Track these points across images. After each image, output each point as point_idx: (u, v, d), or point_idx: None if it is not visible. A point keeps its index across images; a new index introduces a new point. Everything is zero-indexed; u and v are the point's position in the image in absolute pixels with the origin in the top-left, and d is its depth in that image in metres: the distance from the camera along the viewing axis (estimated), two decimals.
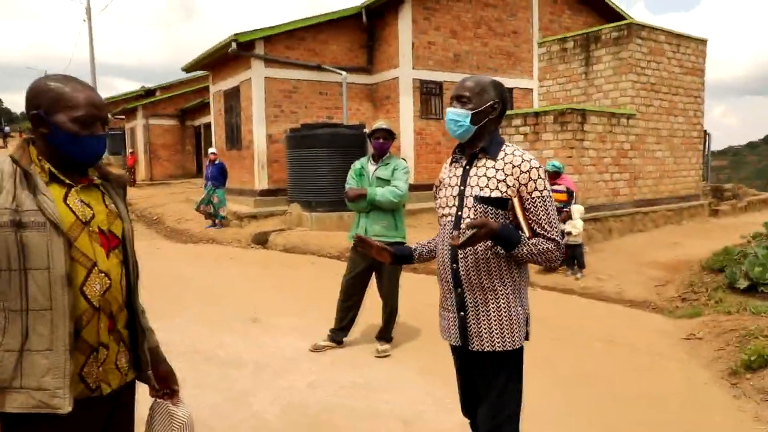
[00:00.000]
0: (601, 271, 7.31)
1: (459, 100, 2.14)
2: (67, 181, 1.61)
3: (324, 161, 10.75)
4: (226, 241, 10.79)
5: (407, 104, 13.06)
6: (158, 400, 1.87)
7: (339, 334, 4.74)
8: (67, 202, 1.59)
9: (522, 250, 2.03)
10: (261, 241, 10.40)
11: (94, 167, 1.72)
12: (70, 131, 1.56)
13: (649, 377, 4.14)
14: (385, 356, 4.55)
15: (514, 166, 2.07)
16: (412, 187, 12.52)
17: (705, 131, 12.86)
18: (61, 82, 1.61)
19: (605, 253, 8.36)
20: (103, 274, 1.61)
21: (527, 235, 2.04)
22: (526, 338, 2.16)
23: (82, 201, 1.62)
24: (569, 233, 6.98)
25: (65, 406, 1.51)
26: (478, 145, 2.15)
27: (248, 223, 11.81)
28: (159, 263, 8.19)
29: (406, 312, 5.16)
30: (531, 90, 14.58)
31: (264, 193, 12.86)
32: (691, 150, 11.29)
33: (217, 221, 11.85)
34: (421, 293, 6.47)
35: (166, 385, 1.89)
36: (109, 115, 1.73)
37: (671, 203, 10.76)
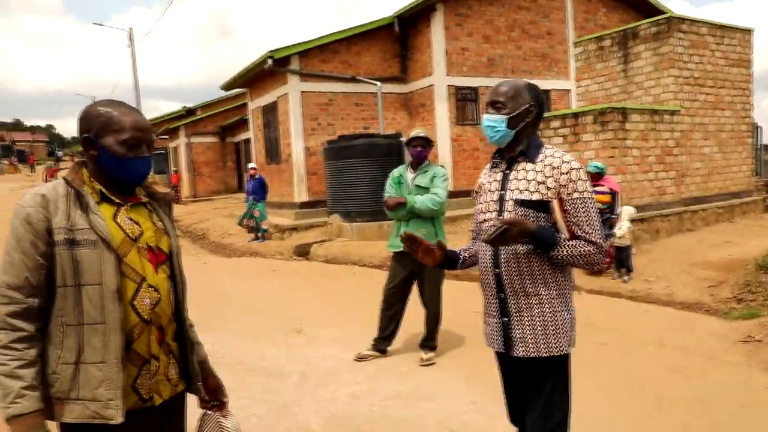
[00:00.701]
0: (649, 273, 7.09)
1: (494, 105, 2.12)
2: (117, 201, 1.69)
3: (362, 171, 10.82)
4: (268, 253, 10.95)
5: (443, 111, 13.03)
6: (208, 411, 1.92)
7: (382, 344, 4.73)
8: (117, 220, 1.67)
9: (560, 251, 2.00)
10: (302, 252, 10.51)
11: (141, 186, 1.80)
12: (116, 153, 1.64)
13: (702, 381, 3.98)
14: (430, 364, 4.51)
15: (553, 168, 2.04)
16: (451, 194, 12.42)
17: (755, 124, 12.37)
18: (110, 107, 1.69)
19: (653, 254, 8.10)
20: (152, 289, 1.68)
21: (566, 236, 2.00)
22: (573, 344, 2.11)
23: (131, 219, 1.70)
24: (614, 235, 6.80)
25: (117, 417, 1.57)
26: (517, 149, 2.13)
27: (289, 235, 11.96)
28: (205, 277, 8.38)
29: (449, 319, 5.12)
30: (568, 91, 14.34)
31: (304, 205, 13.02)
32: (740, 144, 10.87)
33: (259, 234, 12.06)
34: (464, 300, 6.41)
35: (215, 397, 1.94)
36: (153, 144, 1.76)
37: (722, 200, 10.36)
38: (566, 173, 2.02)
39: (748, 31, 10.81)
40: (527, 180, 2.07)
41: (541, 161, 2.08)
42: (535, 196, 2.03)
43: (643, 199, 8.97)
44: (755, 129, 12.65)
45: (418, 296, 4.71)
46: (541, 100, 2.16)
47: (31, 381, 1.54)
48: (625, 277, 6.92)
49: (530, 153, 2.11)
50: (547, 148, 2.12)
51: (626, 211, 6.94)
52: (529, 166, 2.09)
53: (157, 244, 1.73)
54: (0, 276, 1.59)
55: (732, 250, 8.08)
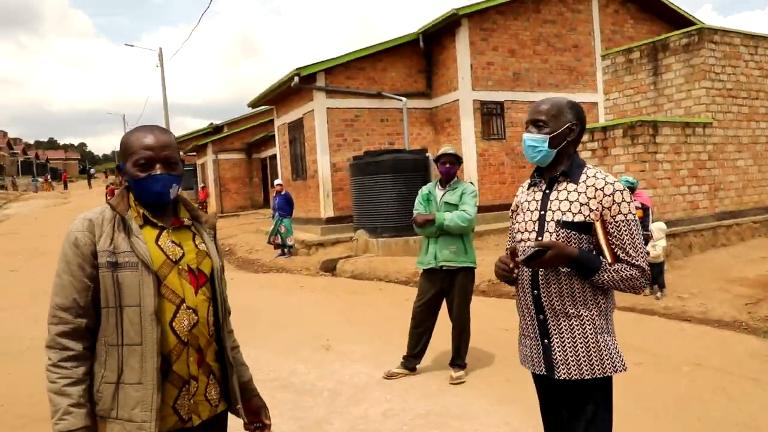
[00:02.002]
0: (682, 290, 6.92)
1: (535, 124, 2.08)
2: (160, 224, 1.73)
3: (388, 187, 10.84)
4: (295, 269, 11.01)
5: (468, 126, 13.01)
6: None
7: (412, 361, 4.69)
8: (159, 242, 1.70)
9: (603, 276, 1.95)
10: (329, 268, 10.54)
11: (187, 209, 1.84)
12: (132, 176, 1.70)
13: (747, 405, 3.84)
14: (460, 383, 4.46)
15: (597, 189, 1.99)
16: (478, 210, 12.33)
17: None
18: (131, 132, 1.78)
19: (686, 270, 7.91)
20: (190, 311, 1.70)
21: (609, 260, 1.95)
22: (624, 368, 2.03)
23: (173, 241, 1.73)
24: (648, 253, 6.67)
25: None
26: (558, 168, 2.08)
27: (316, 251, 12.01)
28: (232, 293, 8.41)
29: (478, 337, 5.06)
30: (596, 104, 14.20)
31: (330, 220, 13.08)
32: None
33: (285, 250, 12.14)
34: (492, 317, 6.35)
35: (257, 419, 1.95)
36: (182, 153, 1.81)
37: (758, 215, 10.09)
38: (610, 195, 1.98)
39: None
40: (569, 201, 2.02)
41: (584, 182, 2.03)
42: (578, 218, 1.99)
43: (675, 213, 8.79)
44: None
45: (448, 314, 4.67)
46: (582, 118, 2.11)
47: (78, 399, 1.58)
48: (658, 294, 6.76)
49: (572, 173, 2.06)
50: (588, 168, 2.08)
51: (658, 228, 6.80)
52: (571, 186, 2.05)
53: (198, 266, 1.75)
54: (51, 297, 1.65)
55: None
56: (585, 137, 9.03)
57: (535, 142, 2.07)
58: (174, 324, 1.66)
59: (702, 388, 4.17)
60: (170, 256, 1.69)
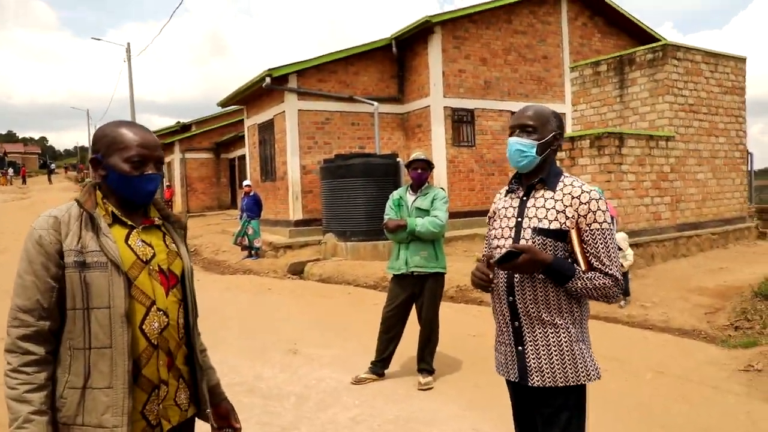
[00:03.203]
0: (645, 299, 7.08)
1: (524, 129, 2.08)
2: (129, 223, 1.67)
3: (358, 191, 10.81)
4: (262, 271, 10.87)
5: (439, 132, 13.11)
6: None
7: (380, 367, 4.67)
8: (129, 242, 1.64)
9: (576, 284, 1.96)
10: (297, 271, 10.45)
11: (156, 209, 1.78)
12: (122, 172, 1.63)
13: (706, 411, 3.95)
14: (428, 389, 4.46)
15: (573, 197, 2.01)
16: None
17: (747, 151, 12.51)
18: (117, 126, 1.69)
19: (648, 279, 8.11)
20: (161, 313, 1.65)
21: (583, 268, 1.97)
22: (598, 376, 2.05)
23: (143, 241, 1.67)
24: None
25: None
26: (538, 175, 2.10)
27: (284, 253, 11.89)
28: (198, 295, 8.26)
29: (447, 342, 5.07)
30: (563, 115, 14.47)
31: (299, 223, 12.98)
32: (734, 171, 10.97)
33: (252, 252, 11.98)
34: (461, 323, 6.38)
35: (227, 423, 1.91)
36: (160, 161, 1.72)
37: (716, 226, 10.43)
38: (586, 203, 2.00)
39: (741, 60, 10.99)
40: (546, 208, 2.04)
41: (561, 190, 2.05)
42: (554, 225, 2.00)
43: (639, 224, 9.01)
44: (747, 155, 12.78)
45: (417, 319, 4.66)
46: (563, 127, 2.15)
47: (39, 406, 1.51)
48: (622, 302, 6.91)
49: (550, 181, 2.08)
50: (566, 177, 2.10)
51: (622, 238, 6.95)
52: (548, 194, 2.06)
53: (169, 267, 1.70)
54: (12, 298, 1.57)
55: (727, 276, 8.10)
56: None
57: (524, 146, 2.07)
58: (144, 326, 1.60)
59: (664, 394, 4.27)
60: (141, 256, 1.64)
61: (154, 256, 1.67)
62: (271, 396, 4.37)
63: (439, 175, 13.09)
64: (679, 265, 8.92)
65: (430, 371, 4.62)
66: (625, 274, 6.95)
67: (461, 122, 13.46)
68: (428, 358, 4.63)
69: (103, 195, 1.67)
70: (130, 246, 1.63)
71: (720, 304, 6.76)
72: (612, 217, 7.21)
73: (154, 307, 1.63)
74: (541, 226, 2.02)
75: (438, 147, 13.11)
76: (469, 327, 6.24)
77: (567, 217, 2.00)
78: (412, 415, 3.98)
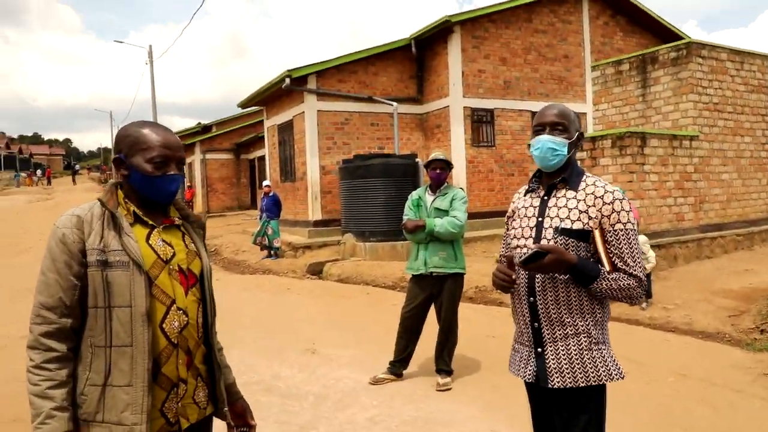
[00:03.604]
0: (667, 301, 6.97)
1: (554, 127, 2.05)
2: (150, 222, 1.69)
3: (377, 191, 10.82)
4: (281, 271, 10.94)
5: (458, 132, 13.06)
6: None
7: (398, 367, 4.67)
8: (150, 241, 1.66)
9: (601, 284, 1.94)
10: (316, 271, 10.49)
11: (176, 208, 1.80)
12: (144, 172, 1.65)
13: (730, 415, 3.87)
14: (447, 389, 4.44)
15: (596, 197, 1.99)
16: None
17: None
18: (140, 126, 1.71)
19: (671, 281, 7.98)
20: (181, 312, 1.66)
21: (607, 269, 1.95)
22: (622, 376, 2.04)
23: (163, 241, 1.69)
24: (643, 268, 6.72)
25: None
26: (561, 175, 2.08)
27: (303, 253, 11.96)
28: (217, 295, 8.34)
29: (466, 344, 5.05)
30: (584, 114, 14.32)
31: (318, 223, 13.03)
32: (760, 171, 10.74)
33: (272, 252, 12.06)
34: (479, 324, 6.35)
35: (242, 422, 1.93)
36: (182, 162, 1.76)
37: (741, 227, 10.22)
38: (610, 203, 1.97)
39: None
40: (568, 208, 2.01)
41: (583, 189, 2.03)
42: (577, 225, 1.98)
43: (662, 224, 8.87)
44: None
45: (436, 319, 4.65)
46: (582, 127, 2.15)
47: (61, 402, 1.53)
48: (644, 304, 6.81)
49: (572, 180, 2.06)
50: (588, 176, 2.08)
51: (643, 241, 6.85)
52: (570, 193, 2.04)
53: (188, 267, 1.72)
54: (35, 295, 1.60)
55: (752, 278, 7.93)
56: None
57: (556, 145, 2.04)
58: (164, 325, 1.62)
59: (686, 398, 4.20)
60: (161, 256, 1.66)
61: (174, 255, 1.69)
62: (289, 395, 4.40)
63: (459, 175, 13.04)
64: (702, 267, 8.76)
65: (449, 372, 4.61)
66: (647, 276, 6.85)
67: (481, 122, 13.39)
68: (447, 359, 4.62)
69: (125, 195, 1.70)
70: (151, 245, 1.65)
71: (745, 307, 6.62)
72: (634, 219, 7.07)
73: (174, 306, 1.65)
74: (563, 225, 1.99)
75: (457, 147, 13.06)
76: (488, 328, 6.21)
77: (590, 217, 1.97)
78: (430, 415, 3.97)
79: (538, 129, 2.09)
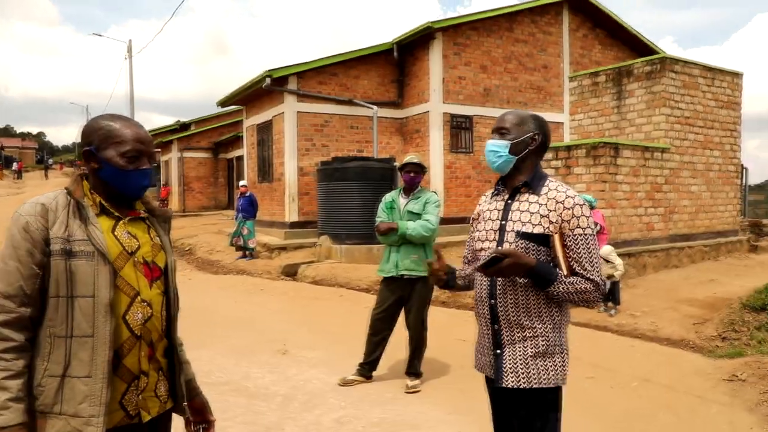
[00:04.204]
0: (635, 308, 7.11)
1: (498, 131, 2.13)
2: (116, 214, 1.69)
3: (354, 194, 10.84)
4: (256, 272, 10.88)
5: (437, 138, 13.15)
6: None
7: (368, 369, 4.69)
8: (115, 233, 1.66)
9: (558, 288, 1.98)
10: (290, 272, 10.46)
11: (141, 202, 1.80)
12: (117, 165, 1.65)
13: (690, 420, 3.98)
14: (415, 392, 4.48)
15: (557, 202, 2.03)
16: (442, 221, 12.46)
17: (742, 165, 12.57)
18: (112, 120, 1.71)
19: (639, 289, 8.14)
20: (145, 304, 1.66)
21: (565, 273, 1.99)
22: (563, 383, 2.08)
23: (128, 233, 1.69)
24: (611, 276, 6.87)
25: None
26: (520, 178, 2.12)
27: (278, 254, 11.91)
28: (189, 294, 8.29)
29: (436, 347, 5.09)
30: (561, 124, 14.55)
31: (294, 225, 12.99)
32: (728, 184, 11.03)
33: (246, 253, 11.99)
34: (450, 328, 6.40)
35: (201, 417, 1.92)
36: (154, 156, 1.79)
37: (708, 239, 10.48)
38: (570, 208, 2.01)
39: (737, 75, 11.06)
40: (530, 212, 2.05)
41: (545, 194, 2.07)
42: (537, 230, 2.01)
43: (632, 234, 9.05)
44: (742, 170, 12.85)
45: (405, 321, 4.68)
46: (546, 131, 2.16)
47: (17, 393, 1.51)
48: (612, 311, 6.94)
49: (534, 184, 2.10)
50: (551, 181, 2.11)
51: (609, 251, 6.97)
52: (533, 197, 2.08)
53: (153, 260, 1.72)
54: None
55: (717, 288, 8.14)
56: (549, 155, 9.23)
57: (497, 147, 2.11)
58: (127, 317, 1.62)
59: (650, 403, 4.30)
60: (126, 248, 1.66)
61: (139, 248, 1.69)
62: (257, 396, 4.38)
63: (436, 180, 13.13)
64: (670, 276, 8.96)
65: (418, 375, 4.64)
66: (616, 284, 6.99)
67: (459, 128, 13.51)
68: (416, 362, 4.65)
69: (92, 186, 1.69)
70: (116, 237, 1.65)
71: (709, 315, 6.79)
72: (597, 224, 7.19)
73: (138, 298, 1.65)
74: (524, 230, 2.03)
75: (435, 152, 13.15)
76: (459, 332, 6.26)
77: (550, 222, 2.01)
78: (398, 417, 4.00)
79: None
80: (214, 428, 1.93)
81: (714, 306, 7.20)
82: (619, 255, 7.14)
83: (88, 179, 1.71)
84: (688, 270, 9.49)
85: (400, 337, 4.76)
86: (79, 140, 1.71)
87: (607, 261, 6.87)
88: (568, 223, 2.00)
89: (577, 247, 2.00)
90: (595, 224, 7.15)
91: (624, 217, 8.92)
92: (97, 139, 1.67)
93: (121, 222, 1.69)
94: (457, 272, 2.34)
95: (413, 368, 4.64)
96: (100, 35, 25.24)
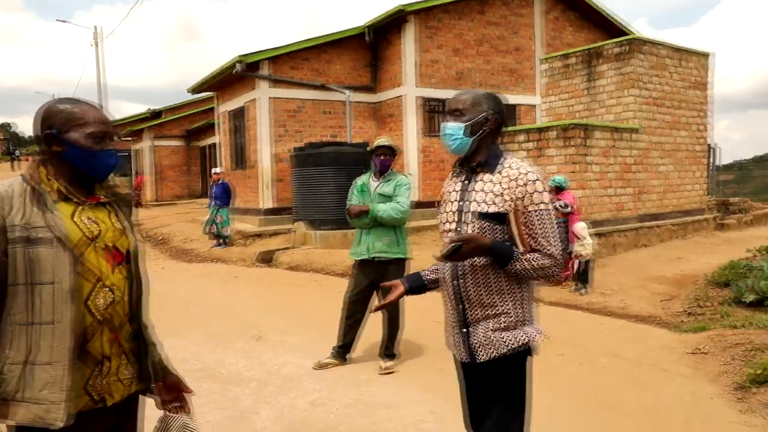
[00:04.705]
0: (606, 287, 7.27)
1: (452, 113, 2.12)
2: (76, 199, 1.68)
3: (329, 179, 10.80)
4: (231, 260, 10.82)
5: (411, 122, 13.15)
6: (169, 414, 1.87)
7: (342, 352, 4.73)
8: (75, 219, 1.65)
9: (515, 265, 2.00)
10: (266, 259, 10.42)
11: (102, 187, 1.79)
12: (83, 146, 1.65)
13: (655, 392, 4.10)
14: (389, 373, 4.53)
15: (511, 180, 2.03)
16: (417, 205, 12.61)
17: (710, 145, 12.85)
18: (71, 103, 1.71)
19: (610, 268, 8.31)
20: (107, 289, 1.66)
21: (522, 249, 2.01)
22: (531, 354, 2.11)
23: (89, 218, 1.69)
24: (579, 255, 6.99)
25: (59, 421, 1.54)
26: (478, 159, 2.12)
27: (253, 241, 11.84)
28: (163, 283, 8.22)
29: (411, 328, 5.14)
30: (534, 106, 14.64)
31: (269, 212, 12.92)
32: (695, 164, 11.27)
33: (221, 240, 11.90)
34: (425, 310, 6.44)
35: (176, 394, 1.91)
36: (116, 137, 1.80)
37: (676, 218, 10.72)
38: (524, 185, 2.01)
39: (705, 56, 11.25)
40: (485, 192, 2.06)
41: (500, 172, 2.07)
42: (492, 209, 2.02)
43: (602, 214, 9.21)
44: (710, 150, 13.14)
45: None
46: (501, 109, 2.15)
47: None
48: (583, 290, 7.08)
49: (490, 163, 2.09)
50: (506, 159, 2.11)
51: (582, 227, 7.09)
52: (488, 177, 2.08)
53: (115, 244, 1.72)
54: None
55: (684, 266, 8.36)
56: (521, 137, 9.32)
57: (453, 130, 2.10)
58: (90, 302, 1.62)
59: (617, 378, 4.41)
60: (87, 233, 1.65)
61: (100, 233, 1.68)
62: (231, 381, 4.39)
63: (411, 164, 13.15)
64: (639, 255, 9.16)
65: (392, 356, 4.69)
66: (587, 263, 7.12)
67: (434, 112, 13.51)
68: (390, 344, 4.70)
69: (50, 172, 1.67)
70: (76, 223, 1.64)
71: (676, 292, 6.98)
72: (568, 204, 7.29)
73: (101, 283, 1.65)
74: (480, 210, 2.04)
75: (410, 137, 13.16)
76: (434, 314, 6.28)
77: (505, 200, 2.02)
78: (372, 398, 4.05)
79: (444, 118, 2.17)
80: (190, 403, 1.93)
81: (681, 283, 7.40)
82: (591, 235, 7.27)
83: (46, 165, 1.68)
84: (657, 248, 9.71)
85: (374, 319, 4.79)
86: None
87: (578, 238, 6.99)
88: (523, 200, 2.01)
89: (533, 223, 2.01)
90: (566, 205, 7.27)
91: (595, 198, 9.07)
92: (58, 122, 1.66)
93: (81, 208, 1.68)
94: (425, 274, 2.34)
95: (388, 350, 4.69)
96: (64, 21, 24.64)
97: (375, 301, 4.72)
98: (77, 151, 1.64)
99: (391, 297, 2.30)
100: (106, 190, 1.80)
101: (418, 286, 2.34)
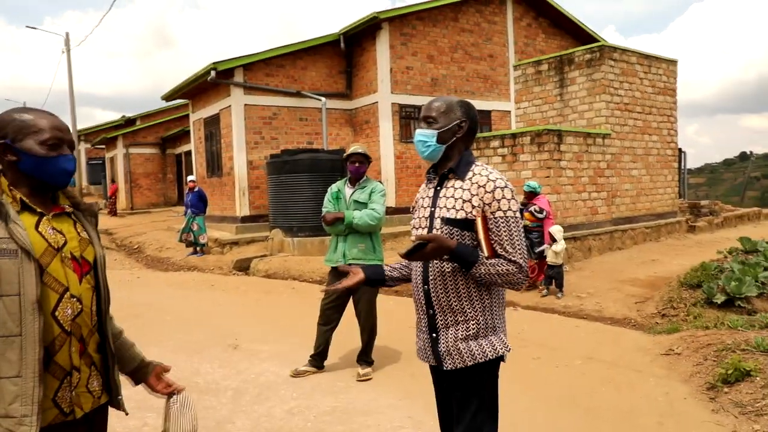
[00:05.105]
0: (581, 290, 7.36)
1: (425, 120, 2.15)
2: (39, 210, 1.65)
3: (305, 186, 10.77)
4: (207, 268, 10.69)
5: (387, 128, 13.18)
6: (172, 396, 1.95)
7: (319, 359, 4.70)
8: (39, 229, 1.62)
9: (479, 270, 2.01)
10: (242, 267, 10.33)
11: (66, 196, 1.76)
12: (38, 154, 1.62)
13: (629, 394, 4.15)
14: (367, 380, 4.51)
15: (479, 186, 2.05)
16: (393, 211, 12.64)
17: (680, 149, 13.13)
18: (24, 111, 1.68)
19: (585, 271, 8.42)
20: (74, 299, 1.64)
21: (486, 255, 2.02)
22: (502, 360, 2.12)
23: (54, 228, 1.66)
24: (545, 256, 7.09)
25: None
26: (449, 165, 2.15)
27: (230, 249, 11.73)
28: (138, 292, 8.09)
29: (387, 334, 5.14)
30: (508, 112, 14.82)
31: (245, 219, 12.81)
32: (666, 168, 11.51)
33: (197, 249, 11.76)
34: (401, 315, 6.46)
35: (165, 383, 1.97)
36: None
37: (649, 221, 10.92)
38: (491, 192, 2.03)
39: (673, 62, 11.52)
40: (454, 198, 2.08)
41: (469, 179, 2.09)
42: (460, 215, 2.04)
43: (577, 218, 9.34)
44: (680, 153, 13.43)
45: (354, 311, 4.70)
46: (472, 116, 2.18)
47: None
48: (559, 294, 7.15)
49: (460, 170, 2.12)
50: (476, 166, 2.13)
51: (557, 230, 7.18)
52: (458, 183, 2.11)
53: (81, 254, 1.69)
54: None
55: (657, 268, 8.51)
56: (496, 143, 9.41)
57: (425, 137, 2.13)
58: (57, 313, 1.59)
59: (592, 379, 4.46)
60: (52, 244, 1.62)
61: (66, 243, 1.65)
62: (207, 391, 4.33)
63: (388, 170, 13.18)
64: (614, 258, 9.30)
65: (369, 362, 4.68)
66: (559, 267, 7.20)
67: (409, 119, 13.57)
68: (367, 350, 4.69)
69: (11, 182, 1.64)
70: (40, 233, 1.61)
71: (650, 294, 7.10)
72: (543, 209, 7.36)
73: (68, 293, 1.62)
74: (449, 216, 2.06)
75: (386, 143, 13.19)
76: (410, 319, 6.28)
77: (473, 206, 2.04)
78: (349, 405, 4.03)
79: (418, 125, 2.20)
80: (181, 389, 1.99)
81: (655, 285, 7.52)
82: (565, 239, 7.37)
83: (5, 175, 1.65)
84: (631, 251, 9.87)
85: (351, 326, 4.78)
86: None
87: (554, 241, 7.06)
88: (489, 206, 2.03)
89: (498, 229, 2.03)
90: (541, 210, 7.36)
91: (569, 202, 9.19)
92: (12, 130, 1.63)
93: (45, 218, 1.65)
94: (387, 270, 2.37)
95: (364, 356, 4.67)
96: (34, 28, 24.10)
97: (351, 308, 4.71)
98: (31, 159, 1.62)
99: (348, 282, 2.32)
100: (71, 199, 1.77)
101: (378, 279, 2.36)
